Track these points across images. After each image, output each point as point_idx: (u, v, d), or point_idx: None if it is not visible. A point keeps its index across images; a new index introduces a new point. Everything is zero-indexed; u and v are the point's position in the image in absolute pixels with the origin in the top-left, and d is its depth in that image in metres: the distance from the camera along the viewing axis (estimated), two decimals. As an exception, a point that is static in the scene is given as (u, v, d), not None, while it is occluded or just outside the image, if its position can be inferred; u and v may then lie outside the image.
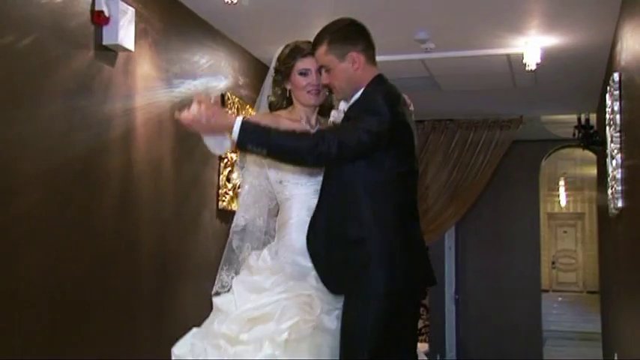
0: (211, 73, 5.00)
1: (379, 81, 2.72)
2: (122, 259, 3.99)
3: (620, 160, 4.49)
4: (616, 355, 5.57)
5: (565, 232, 18.46)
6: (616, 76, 4.62)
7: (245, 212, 3.09)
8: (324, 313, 2.71)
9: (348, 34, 2.73)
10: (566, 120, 7.69)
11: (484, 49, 5.41)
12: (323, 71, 2.78)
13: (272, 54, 5.50)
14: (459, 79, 6.29)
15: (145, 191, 4.20)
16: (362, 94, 2.70)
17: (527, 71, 5.38)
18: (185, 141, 4.62)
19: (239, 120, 2.52)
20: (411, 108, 2.85)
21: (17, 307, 3.19)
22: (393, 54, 5.35)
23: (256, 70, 5.75)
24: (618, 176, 4.51)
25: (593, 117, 6.87)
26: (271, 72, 3.16)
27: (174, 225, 4.53)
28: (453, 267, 9.16)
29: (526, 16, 4.74)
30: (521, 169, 8.89)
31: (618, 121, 4.58)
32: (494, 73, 6.03)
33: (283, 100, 3.07)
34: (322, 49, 2.73)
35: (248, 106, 5.45)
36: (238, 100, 5.30)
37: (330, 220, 2.66)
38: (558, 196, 16.76)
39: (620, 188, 4.48)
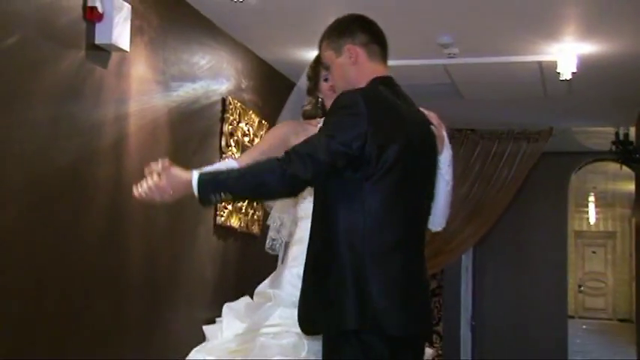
0: (212, 76, 4.99)
1: (380, 82, 2.56)
2: (108, 280, 3.96)
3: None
4: None
5: (594, 252, 18.41)
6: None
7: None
8: (312, 354, 2.71)
9: (347, 26, 2.63)
10: (599, 131, 7.69)
11: (513, 56, 5.41)
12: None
13: (278, 55, 5.60)
14: (483, 87, 6.28)
15: (136, 205, 4.13)
16: None
17: (561, 81, 5.36)
18: (182, 149, 4.64)
19: (195, 176, 2.42)
20: (434, 125, 2.68)
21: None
22: (413, 58, 5.38)
23: (261, 72, 5.75)
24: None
25: (632, 131, 6.86)
26: (300, 84, 3.23)
27: (166, 242, 4.50)
28: (470, 289, 9.10)
29: (561, 21, 4.74)
30: (549, 183, 8.82)
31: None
32: (524, 81, 6.02)
33: (317, 110, 3.11)
34: (323, 45, 2.67)
35: (251, 112, 5.45)
36: (240, 105, 5.29)
37: (309, 250, 2.57)
38: (587, 212, 16.71)
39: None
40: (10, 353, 3.27)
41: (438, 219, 2.76)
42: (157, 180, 2.45)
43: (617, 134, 6.61)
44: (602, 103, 6.64)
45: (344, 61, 2.57)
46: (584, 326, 15.84)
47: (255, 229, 5.56)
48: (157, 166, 2.48)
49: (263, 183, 2.41)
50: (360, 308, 2.35)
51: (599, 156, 8.64)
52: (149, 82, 4.29)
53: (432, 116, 2.70)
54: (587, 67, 5.41)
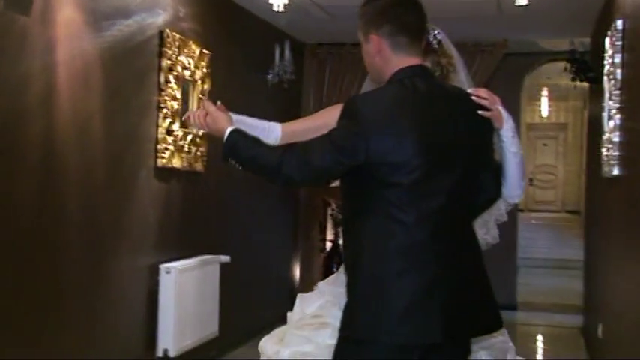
0: (147, 8, 4.83)
1: (402, 74, 2.51)
2: (45, 234, 3.96)
3: (618, 122, 4.50)
4: (601, 288, 5.72)
5: (545, 144, 18.69)
6: (619, 23, 4.57)
7: None
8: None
9: (376, 14, 2.54)
10: (554, 43, 7.71)
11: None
12: None
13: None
14: (437, 7, 6.14)
15: (71, 156, 4.14)
16: None
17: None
18: (117, 93, 4.58)
19: (227, 132, 2.55)
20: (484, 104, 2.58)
21: None
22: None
23: (200, -2, 5.59)
24: (616, 139, 4.53)
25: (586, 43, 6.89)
26: None
27: (106, 192, 4.48)
28: None
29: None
30: (504, 81, 8.62)
31: (619, 77, 4.57)
32: (477, 2, 5.94)
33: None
34: (358, 23, 2.62)
35: (191, 42, 5.30)
36: (179, 37, 5.15)
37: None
38: (540, 105, 16.88)
39: (616, 154, 4.51)
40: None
41: (512, 191, 2.72)
42: (203, 118, 2.69)
43: (572, 51, 6.57)
44: (558, 19, 6.59)
45: (369, 49, 2.54)
46: (533, 221, 16.25)
47: (199, 166, 5.55)
48: (210, 106, 2.70)
49: (263, 171, 2.51)
50: (371, 319, 2.41)
51: (552, 56, 8.56)
52: (78, 24, 4.15)
53: (480, 94, 2.59)
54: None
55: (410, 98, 2.46)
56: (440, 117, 2.48)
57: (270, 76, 6.88)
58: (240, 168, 2.55)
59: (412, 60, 2.51)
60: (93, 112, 4.30)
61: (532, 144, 18.43)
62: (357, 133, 2.35)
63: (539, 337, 8.04)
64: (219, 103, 2.75)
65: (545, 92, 15.90)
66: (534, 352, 7.46)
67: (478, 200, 2.62)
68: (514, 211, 9.26)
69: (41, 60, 3.84)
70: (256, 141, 2.55)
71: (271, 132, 2.89)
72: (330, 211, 8.48)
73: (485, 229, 3.29)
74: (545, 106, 16.99)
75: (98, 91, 4.34)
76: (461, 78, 3.03)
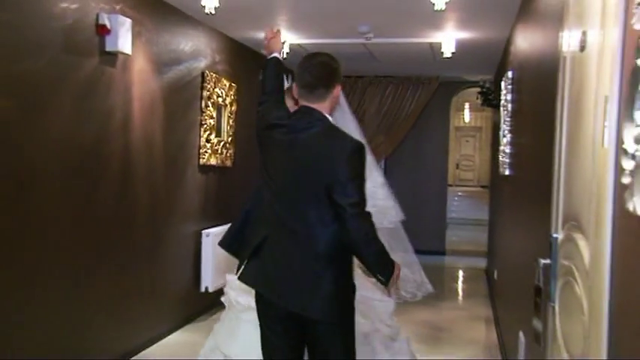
0: (193, 57, 4.88)
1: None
2: (124, 213, 4.01)
3: (509, 139, 4.61)
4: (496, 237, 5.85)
5: (467, 141, 18.76)
6: (510, 73, 4.65)
7: None
8: None
9: (340, 69, 2.38)
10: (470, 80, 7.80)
11: (412, 38, 5.38)
12: None
13: (242, 34, 5.48)
14: (392, 56, 6.27)
15: (141, 160, 4.19)
16: None
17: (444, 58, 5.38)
18: (173, 117, 4.58)
19: (271, 56, 2.62)
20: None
21: (46, 257, 3.26)
22: (343, 39, 5.36)
23: (230, 47, 5.61)
24: (508, 150, 4.64)
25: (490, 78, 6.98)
26: None
27: (164, 185, 4.49)
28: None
29: (444, 17, 4.69)
30: (438, 103, 8.68)
31: (509, 108, 4.67)
32: (420, 53, 6.01)
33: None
34: (327, 74, 2.41)
35: (223, 78, 5.36)
36: (215, 75, 5.19)
37: None
38: (463, 114, 17.00)
39: (508, 161, 4.62)
40: (64, 273, 3.36)
41: None
42: (267, 39, 2.68)
43: (481, 86, 6.65)
44: (472, 64, 6.68)
45: (336, 93, 2.36)
46: (459, 193, 16.33)
47: (229, 163, 5.55)
48: (270, 32, 2.68)
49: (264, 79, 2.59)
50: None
51: (470, 84, 8.63)
52: (147, 72, 4.20)
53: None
54: (463, 46, 5.44)
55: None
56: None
57: (278, 98, 6.90)
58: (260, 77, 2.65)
59: (301, 105, 2.42)
60: (156, 129, 4.34)
61: (458, 140, 18.49)
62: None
63: (460, 274, 7.99)
64: (277, 29, 2.70)
65: (467, 106, 16.04)
66: (457, 285, 7.51)
67: None
68: (445, 186, 9.32)
69: (122, 97, 3.89)
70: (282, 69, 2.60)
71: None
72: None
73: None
74: (467, 115, 17.11)
75: (159, 115, 4.38)
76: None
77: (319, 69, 2.29)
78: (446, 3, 3.68)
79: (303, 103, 2.31)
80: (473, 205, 14.95)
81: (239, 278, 2.36)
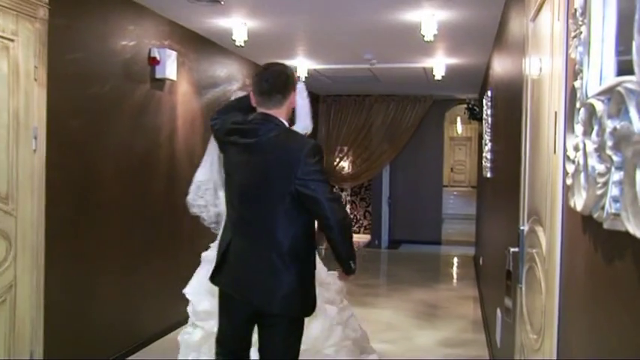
0: (227, 81, 4.93)
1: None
2: (171, 209, 4.02)
3: (490, 147, 4.60)
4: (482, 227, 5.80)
5: (460, 148, 18.63)
6: (489, 92, 4.64)
7: None
8: None
9: (293, 76, 2.19)
10: (459, 98, 7.75)
11: (408, 64, 5.37)
12: None
13: (269, 61, 5.48)
14: (392, 78, 6.27)
15: (183, 167, 4.21)
16: None
17: (436, 80, 5.37)
18: (209, 133, 4.57)
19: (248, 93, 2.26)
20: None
21: (106, 249, 3.32)
22: (351, 64, 5.36)
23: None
24: (489, 156, 4.62)
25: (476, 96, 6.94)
26: None
27: None
28: (387, 183, 8.99)
29: (434, 47, 4.70)
30: (434, 117, 8.65)
31: (490, 122, 4.65)
32: (415, 75, 6.01)
33: None
34: (280, 82, 2.17)
35: (252, 99, 5.40)
36: (246, 97, 5.24)
37: None
38: (457, 125, 16.89)
39: (489, 165, 4.60)
40: (122, 261, 3.41)
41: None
42: None
43: (468, 104, 6.61)
44: (460, 85, 6.66)
45: (293, 99, 2.16)
46: (455, 192, 16.21)
47: None
48: None
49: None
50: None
51: (459, 101, 8.58)
52: (189, 94, 4.26)
53: None
54: (452, 70, 5.42)
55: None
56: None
57: (298, 114, 6.92)
58: None
59: (258, 110, 2.19)
60: (196, 142, 4.34)
61: (452, 148, 18.30)
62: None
63: (455, 261, 7.91)
64: None
65: (459, 119, 15.91)
66: (451, 270, 7.44)
67: None
68: (440, 186, 9.25)
69: (168, 115, 3.95)
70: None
71: None
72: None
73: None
74: (459, 127, 16.96)
75: (199, 131, 4.40)
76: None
77: (275, 77, 2.08)
78: (434, 35, 3.69)
79: (260, 109, 2.09)
80: (465, 203, 14.83)
81: (210, 280, 2.14)
